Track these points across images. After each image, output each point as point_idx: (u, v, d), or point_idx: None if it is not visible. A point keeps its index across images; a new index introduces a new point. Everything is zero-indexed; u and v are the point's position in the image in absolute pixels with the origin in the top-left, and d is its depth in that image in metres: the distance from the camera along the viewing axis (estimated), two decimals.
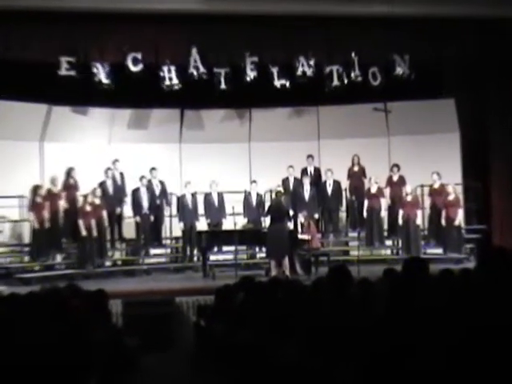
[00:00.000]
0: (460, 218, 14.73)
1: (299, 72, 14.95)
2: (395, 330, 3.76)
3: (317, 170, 15.90)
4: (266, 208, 14.04)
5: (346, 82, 15.07)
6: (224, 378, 5.23)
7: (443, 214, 14.71)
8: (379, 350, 3.66)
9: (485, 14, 15.00)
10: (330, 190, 15.52)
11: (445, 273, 5.58)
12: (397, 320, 3.88)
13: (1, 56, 13.80)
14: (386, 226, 15.50)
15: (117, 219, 15.08)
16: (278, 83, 14.96)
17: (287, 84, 14.95)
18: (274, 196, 14.14)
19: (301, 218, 14.64)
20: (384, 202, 15.23)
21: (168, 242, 15.84)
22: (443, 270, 5.69)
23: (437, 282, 5.14)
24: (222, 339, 5.30)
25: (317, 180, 15.71)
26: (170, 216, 15.57)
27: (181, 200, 15.10)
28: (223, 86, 14.75)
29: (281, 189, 14.45)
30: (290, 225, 14.17)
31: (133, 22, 14.29)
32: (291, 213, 14.20)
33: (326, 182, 15.58)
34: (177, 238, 15.63)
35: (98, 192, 14.34)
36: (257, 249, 15.19)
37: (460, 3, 14.63)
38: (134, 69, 14.31)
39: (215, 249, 14.79)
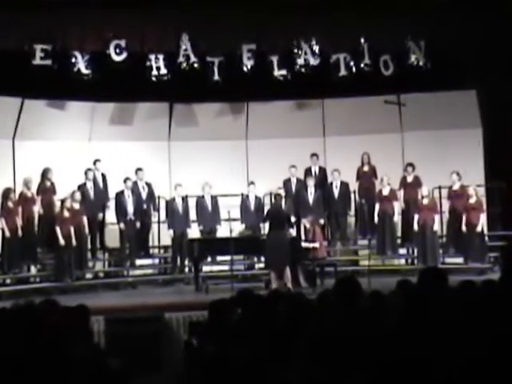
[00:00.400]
0: (483, 223, 14.73)
1: (301, 61, 14.99)
2: (409, 348, 3.76)
3: (322, 171, 15.92)
4: (265, 213, 14.07)
5: (354, 71, 15.11)
6: None
7: (464, 218, 14.72)
8: (391, 367, 3.67)
9: None
10: (336, 192, 15.54)
11: (465, 285, 5.57)
12: (411, 337, 3.89)
13: None
14: (399, 233, 15.51)
15: (98, 226, 15.08)
16: (277, 73, 15.02)
17: (288, 74, 14.98)
18: (272, 199, 14.15)
19: (305, 224, 14.65)
20: (397, 206, 15.24)
21: (156, 251, 15.85)
22: (463, 282, 5.69)
23: (456, 294, 5.14)
24: (216, 360, 5.30)
25: (322, 181, 15.73)
26: (158, 222, 15.57)
27: (170, 204, 15.11)
28: (217, 76, 14.82)
29: (281, 191, 14.48)
30: (293, 231, 14.20)
31: (116, 6, 14.32)
32: (293, 218, 14.20)
33: (332, 183, 15.60)
34: (166, 247, 15.64)
35: (78, 196, 14.35)
36: (255, 259, 15.20)
37: None
38: (117, 58, 14.34)
39: (209, 259, 14.81)
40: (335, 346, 4.29)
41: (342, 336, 4.33)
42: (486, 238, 15.05)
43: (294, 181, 15.58)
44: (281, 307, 6.11)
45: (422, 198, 14.84)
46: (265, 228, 14.64)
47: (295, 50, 15.01)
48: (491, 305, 4.79)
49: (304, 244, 14.07)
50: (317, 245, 13.95)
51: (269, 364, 4.78)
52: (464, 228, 14.73)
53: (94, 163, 15.18)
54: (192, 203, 15.20)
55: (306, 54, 15.01)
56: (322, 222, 15.11)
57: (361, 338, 4.23)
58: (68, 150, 15.38)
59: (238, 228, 14.71)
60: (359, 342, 4.21)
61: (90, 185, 14.94)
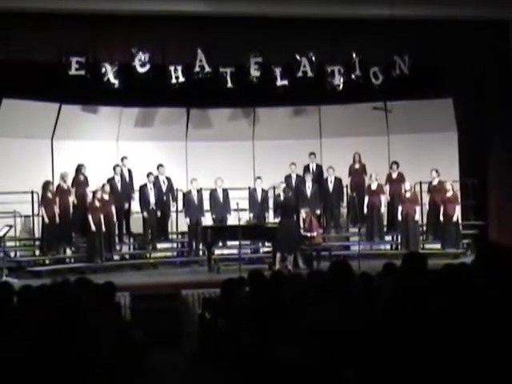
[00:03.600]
0: (458, 214, 14.71)
1: (301, 72, 14.93)
2: (397, 324, 3.74)
3: (319, 168, 15.88)
4: (276, 205, 14.04)
5: (347, 81, 15.05)
6: (227, 375, 5.22)
7: (441, 210, 14.69)
8: (383, 346, 3.65)
9: (484, 16, 15.01)
10: (331, 186, 15.50)
11: (447, 267, 5.54)
12: (398, 314, 3.87)
13: (15, 56, 13.84)
14: (385, 222, 15.48)
15: (125, 214, 15.07)
16: (280, 83, 14.95)
17: (290, 84, 14.93)
18: (281, 193, 14.04)
19: (303, 214, 14.62)
20: (384, 199, 15.21)
21: (174, 236, 15.84)
22: (446, 265, 5.64)
23: (437, 276, 5.11)
24: (226, 334, 5.28)
25: (319, 177, 15.69)
26: (177, 211, 15.56)
27: (187, 196, 15.10)
28: (228, 85, 14.75)
29: (283, 185, 14.46)
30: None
31: (140, 24, 14.31)
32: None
33: (327, 178, 15.56)
34: (183, 233, 15.61)
35: (107, 188, 14.35)
36: (260, 244, 15.19)
37: (459, 5, 14.62)
38: (141, 69, 14.31)
39: (220, 243, 14.80)
40: (331, 322, 4.27)
41: (336, 315, 4.31)
42: (461, 227, 15.03)
43: (294, 176, 15.55)
44: (283, 286, 6.10)
45: (405, 191, 14.80)
46: (269, 217, 14.68)
47: (296, 62, 14.94)
48: (466, 284, 4.76)
49: (302, 232, 14.05)
50: (314, 232, 13.93)
51: (272, 336, 4.77)
52: (442, 218, 14.71)
53: (122, 160, 15.17)
54: (206, 195, 15.18)
55: (304, 66, 14.94)
56: (318, 212, 15.09)
57: (353, 316, 4.21)
58: (99, 149, 15.38)
59: (245, 217, 14.68)
60: (352, 319, 4.19)
61: (117, 179, 14.93)
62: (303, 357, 4.19)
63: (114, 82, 14.27)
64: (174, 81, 14.52)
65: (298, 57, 14.88)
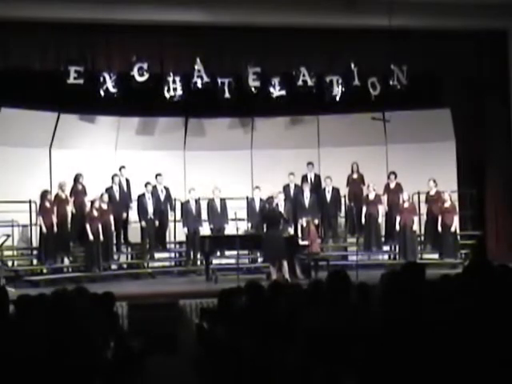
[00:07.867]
0: (455, 224, 14.72)
1: (300, 82, 14.98)
2: (393, 333, 3.75)
3: (317, 177, 15.89)
4: (261, 217, 14.05)
5: (345, 91, 15.09)
6: (225, 382, 5.21)
7: (439, 220, 14.70)
8: (380, 353, 3.65)
9: (482, 26, 15.08)
10: (329, 196, 15.52)
11: (444, 278, 5.54)
12: (395, 323, 3.88)
13: (13, 65, 13.89)
14: (383, 232, 15.48)
15: (123, 224, 15.08)
16: (279, 93, 15.00)
17: (288, 93, 14.97)
18: (266, 204, 14.07)
19: (302, 224, 14.62)
20: (381, 209, 15.23)
21: (172, 246, 15.84)
22: (443, 276, 5.65)
23: (435, 286, 5.11)
24: (224, 344, 5.28)
25: (317, 187, 15.70)
26: (174, 221, 15.56)
27: (185, 206, 15.10)
28: (226, 95, 14.78)
29: (280, 195, 14.47)
30: (291, 230, 14.18)
31: (139, 33, 14.37)
32: (286, 216, 14.07)
33: (325, 188, 15.57)
34: (181, 243, 15.63)
35: (105, 197, 14.36)
36: (258, 253, 15.18)
37: (457, 15, 14.69)
38: (140, 78, 14.35)
39: (218, 253, 14.79)
40: (328, 331, 4.27)
41: (333, 324, 4.31)
42: (458, 237, 15.04)
43: (292, 186, 15.56)
44: (281, 296, 6.10)
45: (403, 201, 14.82)
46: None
47: (294, 72, 14.99)
48: (463, 293, 4.77)
49: (300, 241, 14.05)
50: (313, 242, 13.93)
51: (270, 345, 4.77)
52: (439, 228, 14.72)
53: (120, 169, 15.18)
54: (204, 205, 15.17)
55: (303, 75, 14.99)
56: (316, 222, 15.08)
57: (350, 327, 4.21)
58: (97, 158, 15.39)
59: (243, 227, 14.68)
60: (348, 329, 4.19)
61: (116, 188, 14.94)
62: (301, 363, 4.20)
63: (113, 91, 14.31)
64: (172, 93, 14.55)
65: (296, 67, 14.92)
